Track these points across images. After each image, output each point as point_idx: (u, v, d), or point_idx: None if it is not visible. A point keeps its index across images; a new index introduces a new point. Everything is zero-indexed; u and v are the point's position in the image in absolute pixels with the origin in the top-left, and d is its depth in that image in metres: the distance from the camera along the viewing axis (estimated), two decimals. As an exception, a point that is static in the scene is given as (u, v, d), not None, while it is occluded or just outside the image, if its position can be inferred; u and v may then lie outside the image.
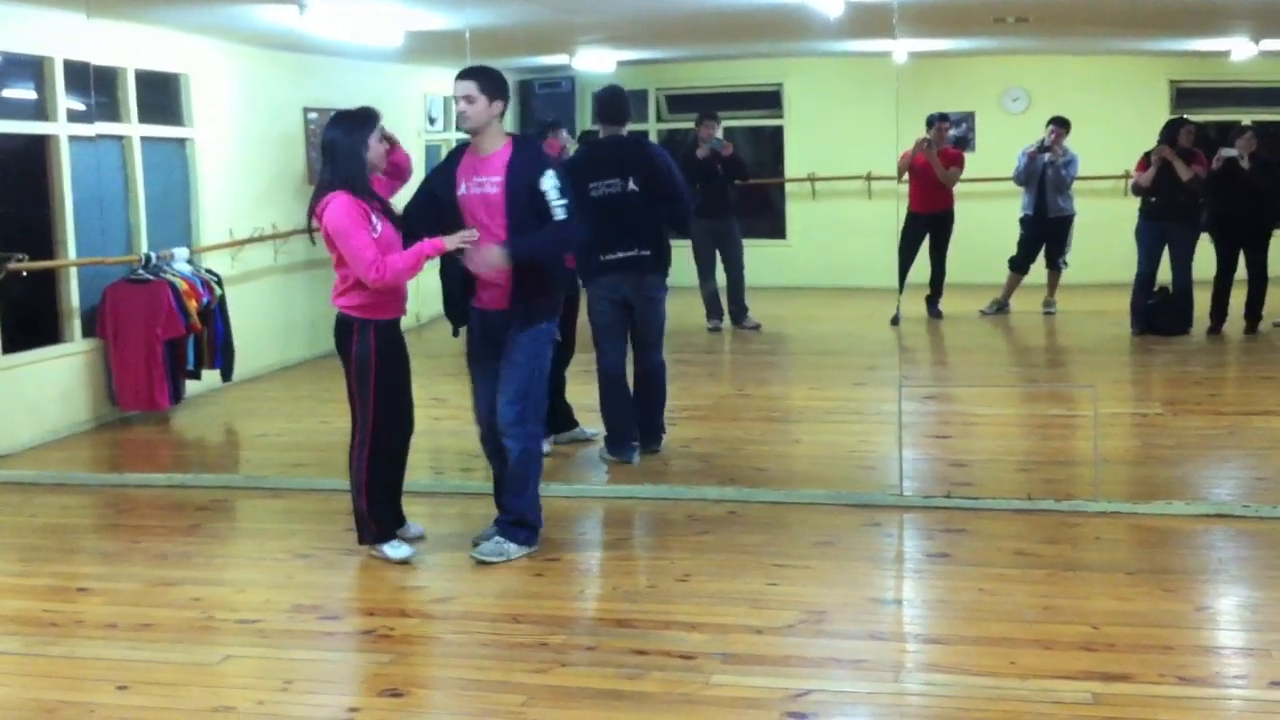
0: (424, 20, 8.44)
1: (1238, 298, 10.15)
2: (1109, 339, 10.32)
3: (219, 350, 8.68)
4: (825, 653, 4.42)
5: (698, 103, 12.58)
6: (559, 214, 5.18)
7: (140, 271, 8.24)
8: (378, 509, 5.41)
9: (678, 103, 13.74)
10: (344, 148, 5.15)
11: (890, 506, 6.04)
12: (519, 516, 5.44)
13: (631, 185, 6.70)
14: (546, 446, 6.83)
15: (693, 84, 13.56)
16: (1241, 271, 10.17)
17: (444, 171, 5.42)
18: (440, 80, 12.01)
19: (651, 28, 10.22)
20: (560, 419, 7.20)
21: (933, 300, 11.11)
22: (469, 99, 5.21)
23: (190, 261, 8.65)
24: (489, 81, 5.26)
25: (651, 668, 4.31)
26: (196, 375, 8.60)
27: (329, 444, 7.90)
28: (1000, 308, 11.38)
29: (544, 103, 13.34)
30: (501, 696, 4.14)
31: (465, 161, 5.33)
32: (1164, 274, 10.26)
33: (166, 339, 8.17)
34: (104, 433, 8.09)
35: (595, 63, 12.05)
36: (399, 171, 5.54)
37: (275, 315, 9.93)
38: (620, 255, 6.73)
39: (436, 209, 5.34)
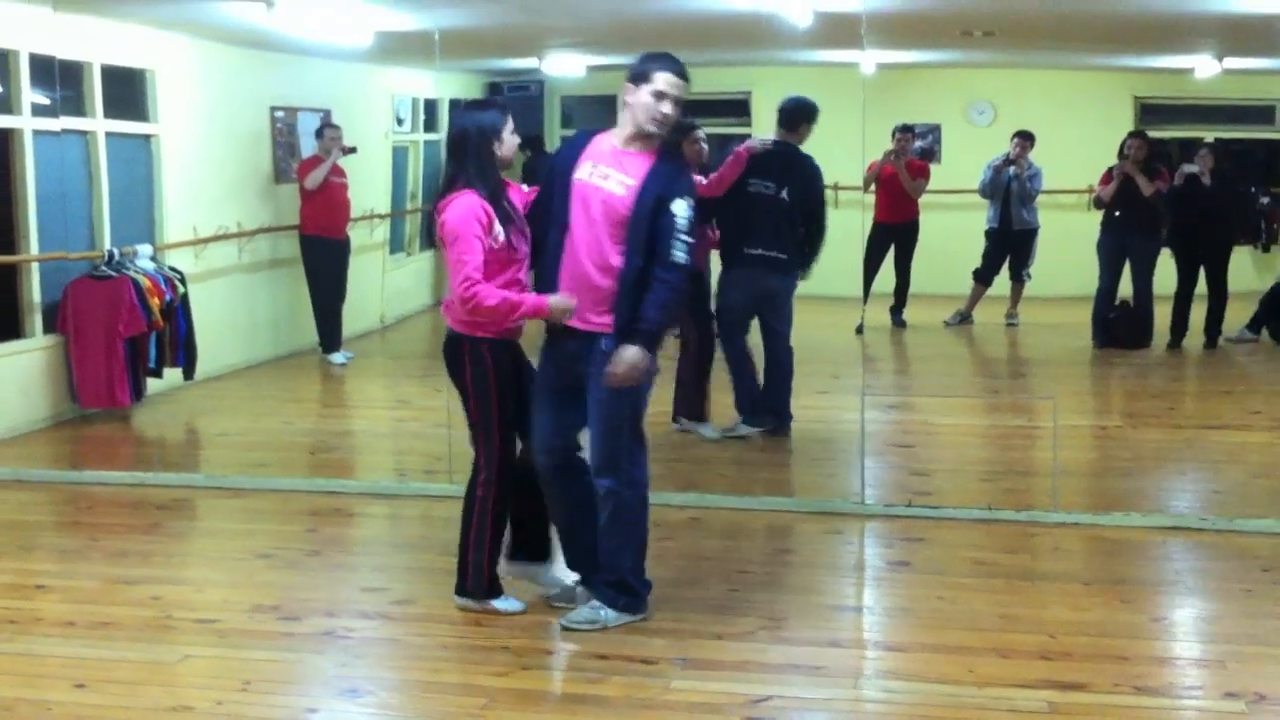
0: (393, 20, 8.41)
1: (1197, 312, 10.25)
2: (1070, 351, 10.40)
3: (181, 348, 8.62)
4: (785, 659, 4.43)
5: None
6: (678, 255, 4.47)
7: (102, 268, 8.18)
8: (494, 558, 4.80)
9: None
10: (474, 140, 4.59)
11: (851, 514, 6.07)
12: (619, 578, 4.68)
13: (784, 194, 7.19)
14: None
15: (662, 90, 13.56)
16: (1201, 286, 10.27)
17: (568, 151, 4.69)
18: (408, 81, 12.00)
19: (621, 33, 10.21)
20: (695, 407, 7.52)
21: (897, 310, 11.15)
22: (678, 102, 4.54)
23: (153, 258, 8.59)
24: None
25: (612, 672, 4.32)
26: (158, 373, 8.54)
27: (291, 444, 7.90)
28: (963, 318, 11.45)
29: (512, 106, 13.29)
30: (462, 699, 4.13)
31: (599, 147, 4.61)
32: (1125, 288, 10.35)
33: (128, 336, 8.10)
34: (64, 429, 8.03)
35: (565, 67, 12.03)
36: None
37: (239, 314, 9.88)
38: (760, 252, 7.17)
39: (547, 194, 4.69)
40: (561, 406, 4.67)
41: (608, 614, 4.66)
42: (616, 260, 4.52)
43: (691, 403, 7.49)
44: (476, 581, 4.80)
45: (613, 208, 4.52)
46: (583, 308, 4.55)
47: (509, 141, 4.64)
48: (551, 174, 4.72)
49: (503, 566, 4.89)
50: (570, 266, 4.56)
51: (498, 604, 4.82)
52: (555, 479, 4.74)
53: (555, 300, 4.53)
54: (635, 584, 4.71)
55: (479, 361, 4.64)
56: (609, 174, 4.55)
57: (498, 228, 4.53)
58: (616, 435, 4.60)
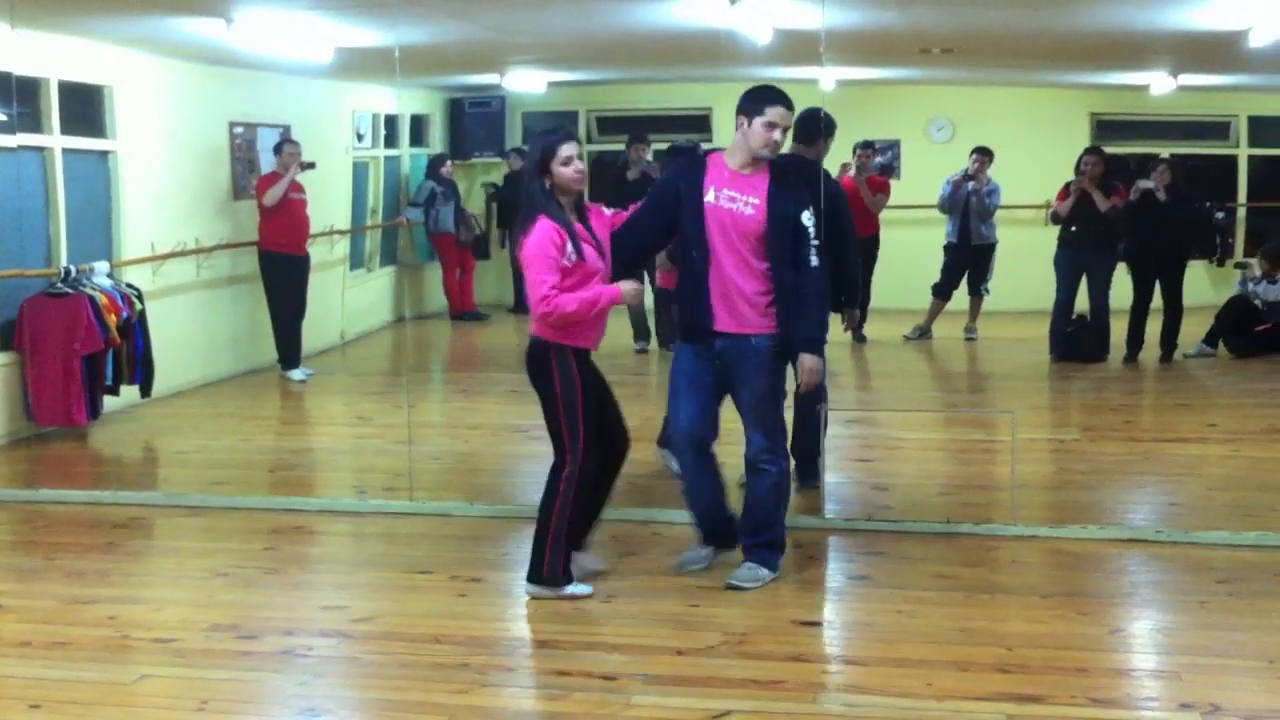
0: (354, 37, 8.41)
1: (1153, 326, 10.36)
2: (1028, 365, 10.48)
3: (138, 365, 8.56)
4: (746, 673, 4.44)
5: (628, 125, 12.63)
6: (813, 259, 5.12)
7: (59, 285, 8.12)
8: (569, 549, 5.14)
9: (608, 124, 13.79)
10: (531, 168, 5.00)
11: (812, 529, 6.08)
12: (771, 539, 5.35)
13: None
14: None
15: (623, 106, 13.61)
16: (1157, 301, 10.38)
17: (687, 176, 5.22)
18: (369, 97, 11.99)
19: (583, 50, 10.26)
20: None
21: (857, 325, 11.20)
22: (786, 130, 5.17)
23: (110, 275, 8.53)
24: None
25: (573, 688, 4.32)
26: (115, 391, 8.48)
27: (250, 462, 7.86)
28: (923, 333, 11.53)
29: (474, 122, 13.34)
30: (421, 717, 4.13)
31: (716, 171, 5.18)
32: (1082, 302, 10.44)
33: (85, 354, 8.05)
34: (20, 448, 7.95)
35: (526, 83, 12.07)
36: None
37: (197, 331, 9.83)
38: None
39: (669, 216, 5.22)
40: (707, 395, 5.29)
41: (765, 573, 5.29)
42: (763, 269, 5.14)
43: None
44: (553, 571, 5.11)
45: (747, 226, 5.11)
46: (740, 311, 5.14)
47: (559, 172, 4.94)
48: (671, 195, 5.25)
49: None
50: (718, 280, 5.15)
51: (571, 589, 5.13)
52: (697, 460, 5.35)
53: (627, 286, 5.03)
54: (783, 540, 5.41)
55: (565, 368, 5.01)
56: (735, 196, 5.13)
57: (570, 247, 4.90)
58: (773, 418, 5.29)
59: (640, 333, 10.80)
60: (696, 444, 5.35)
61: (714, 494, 5.44)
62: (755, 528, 5.36)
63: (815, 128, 6.63)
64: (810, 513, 6.23)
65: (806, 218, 5.11)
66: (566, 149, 4.93)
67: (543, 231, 4.88)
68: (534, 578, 5.14)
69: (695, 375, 5.29)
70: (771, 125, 5.08)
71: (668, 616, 4.97)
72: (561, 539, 5.09)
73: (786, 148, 6.82)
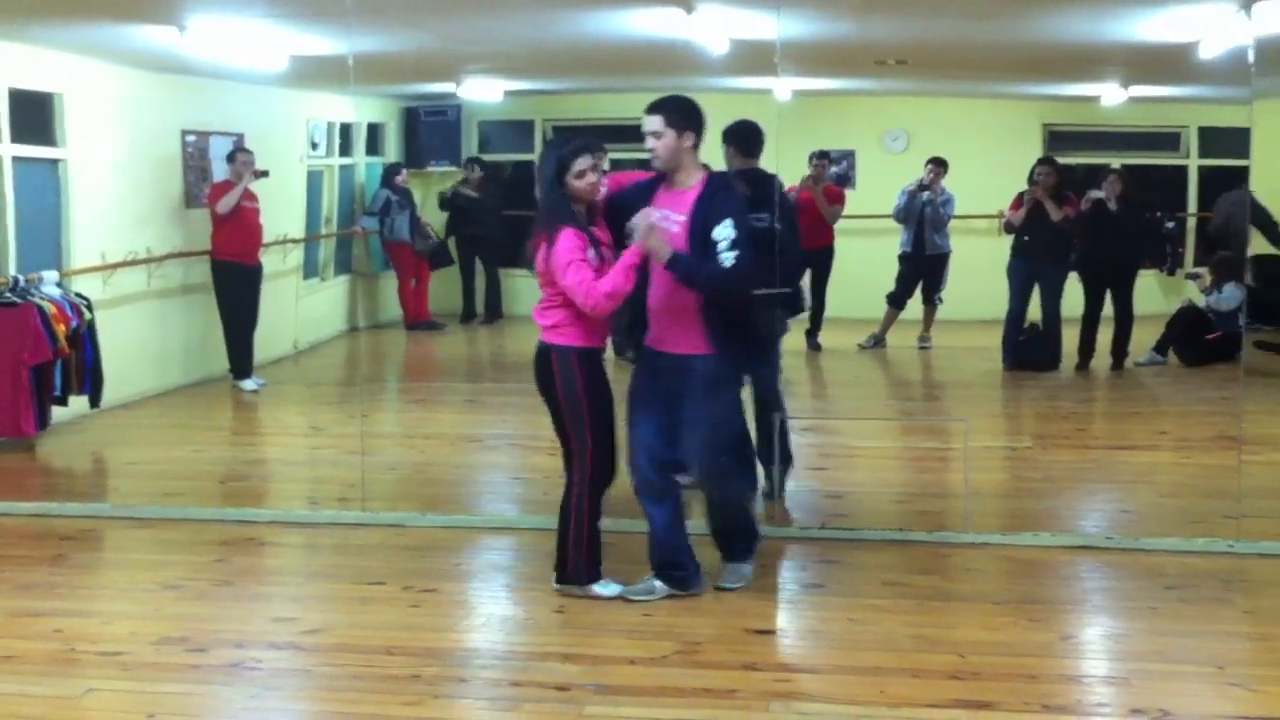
0: (308, 45, 8.36)
1: (1104, 335, 10.45)
2: (981, 374, 10.55)
3: (88, 375, 8.47)
4: (699, 683, 4.43)
5: (584, 134, 12.61)
6: (726, 262, 4.95)
7: (7, 294, 8.02)
8: (593, 554, 5.25)
9: (564, 134, 13.76)
10: (547, 177, 5.07)
11: (766, 537, 6.07)
12: (740, 544, 5.46)
13: (776, 223, 6.33)
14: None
15: (580, 115, 13.57)
16: (1108, 309, 10.47)
17: (639, 200, 5.18)
18: (324, 105, 11.93)
19: (539, 59, 10.24)
20: None
21: (812, 334, 11.26)
22: (656, 134, 5.07)
23: (59, 284, 8.43)
24: (676, 114, 5.08)
25: (525, 699, 4.30)
26: (63, 401, 8.38)
27: (202, 473, 7.78)
28: (878, 342, 11.57)
29: (430, 130, 13.29)
30: (373, 729, 4.10)
31: (660, 193, 5.17)
32: (1035, 311, 10.52)
33: (33, 364, 7.95)
34: (-34, 459, 7.85)
35: (482, 91, 12.04)
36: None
37: (149, 340, 9.74)
38: (771, 291, 6.30)
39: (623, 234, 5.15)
40: (660, 414, 5.20)
41: (746, 569, 5.41)
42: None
43: None
44: (577, 572, 5.23)
45: (679, 245, 5.02)
46: (677, 332, 5.15)
47: (572, 185, 5.03)
48: (626, 209, 5.17)
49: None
50: (656, 300, 5.16)
51: (596, 588, 5.23)
52: (655, 482, 5.21)
53: (650, 242, 4.92)
54: (755, 531, 5.56)
55: (567, 372, 5.08)
56: (668, 214, 5.07)
57: (591, 251, 5.02)
58: (716, 441, 5.20)
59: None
60: (655, 466, 5.21)
61: (668, 522, 5.27)
62: (725, 531, 5.45)
63: (758, 137, 6.50)
64: (765, 521, 6.23)
65: (719, 230, 4.95)
66: (580, 163, 5.02)
67: (567, 239, 4.99)
68: (560, 578, 5.29)
69: (646, 396, 5.26)
70: (645, 136, 5.10)
71: (621, 626, 4.96)
72: (583, 539, 5.20)
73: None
